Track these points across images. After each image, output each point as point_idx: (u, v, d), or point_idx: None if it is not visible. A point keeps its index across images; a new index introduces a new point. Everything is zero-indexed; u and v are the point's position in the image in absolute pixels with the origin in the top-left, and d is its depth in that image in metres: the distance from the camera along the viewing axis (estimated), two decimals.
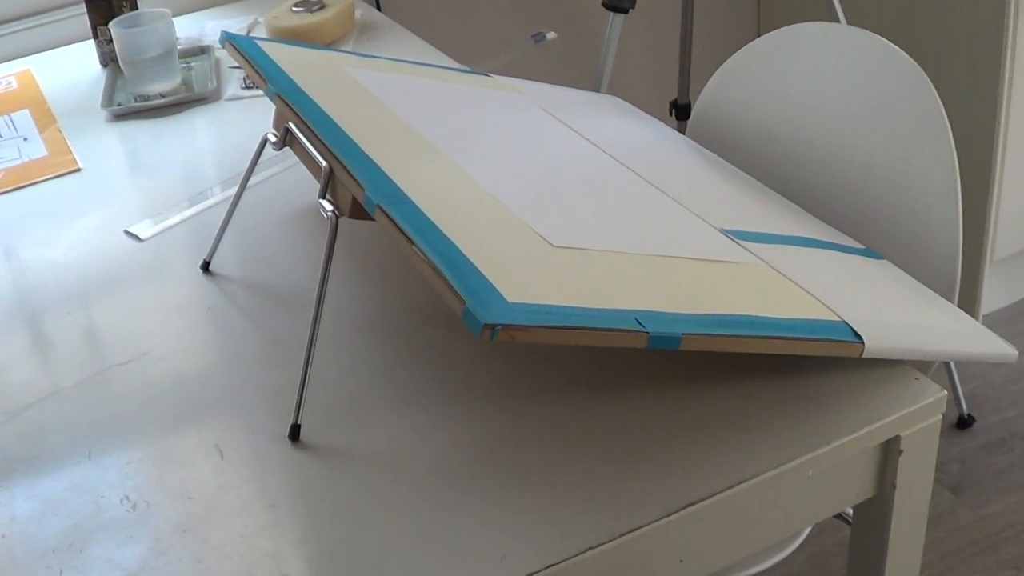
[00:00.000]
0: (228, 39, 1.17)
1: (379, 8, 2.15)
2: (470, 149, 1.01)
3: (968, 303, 2.20)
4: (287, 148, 1.10)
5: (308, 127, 0.96)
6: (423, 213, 0.82)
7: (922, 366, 1.05)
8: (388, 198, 0.84)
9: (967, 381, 2.13)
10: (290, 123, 1.00)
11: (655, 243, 0.91)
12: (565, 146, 1.11)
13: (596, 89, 1.86)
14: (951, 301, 1.10)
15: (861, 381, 0.90)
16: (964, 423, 2.03)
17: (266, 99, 1.52)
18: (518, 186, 0.95)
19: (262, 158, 1.34)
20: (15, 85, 1.64)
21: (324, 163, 0.92)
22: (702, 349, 0.78)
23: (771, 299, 0.87)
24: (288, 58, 1.15)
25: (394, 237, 0.80)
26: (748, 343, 0.79)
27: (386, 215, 0.81)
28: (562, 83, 2.36)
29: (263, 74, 1.07)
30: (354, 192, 0.87)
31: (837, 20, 1.80)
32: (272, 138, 1.02)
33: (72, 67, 1.70)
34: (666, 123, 1.43)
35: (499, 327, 0.69)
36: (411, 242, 0.78)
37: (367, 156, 0.91)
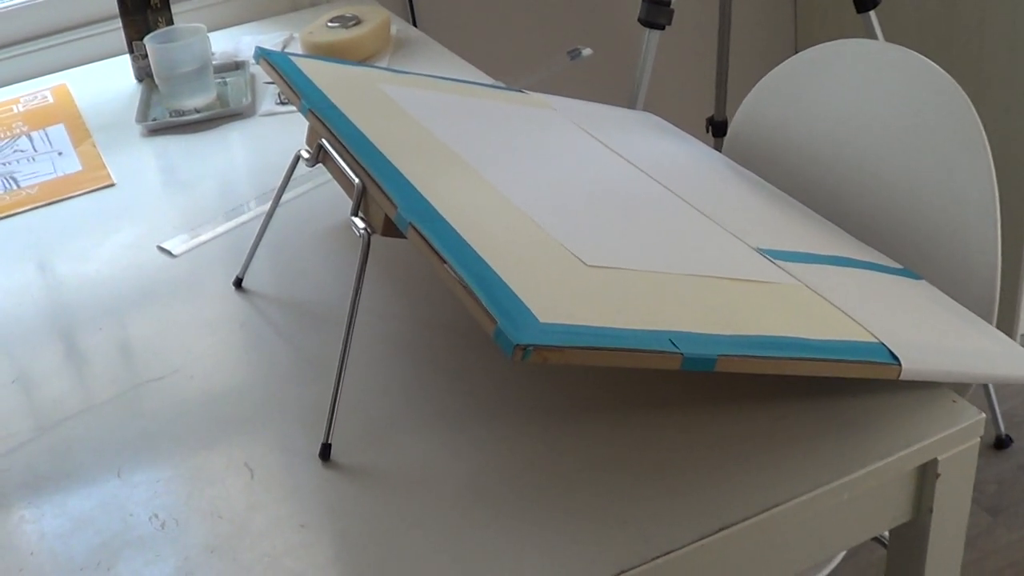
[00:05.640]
0: (262, 55, 1.17)
1: (415, 24, 2.15)
2: (503, 167, 1.01)
3: (1007, 324, 2.17)
4: (320, 164, 1.10)
5: (341, 144, 0.96)
6: (455, 231, 0.81)
7: (959, 388, 1.03)
8: (420, 216, 0.83)
9: (1005, 401, 2.10)
10: (323, 140, 0.99)
11: (690, 262, 0.90)
12: (600, 164, 1.11)
13: (632, 106, 1.85)
14: (990, 322, 1.08)
15: (898, 403, 0.88)
16: (1002, 443, 2.01)
17: (300, 115, 1.52)
18: (552, 204, 0.95)
19: (296, 174, 1.34)
20: (51, 99, 1.65)
21: (357, 180, 0.91)
22: (738, 371, 0.77)
23: (807, 320, 0.86)
24: (322, 74, 1.14)
25: (426, 255, 0.79)
26: (784, 365, 0.78)
27: (418, 233, 0.81)
28: (598, 100, 2.35)
29: (296, 90, 1.07)
30: (387, 210, 0.87)
31: (876, 37, 1.79)
32: (305, 155, 1.02)
33: (108, 82, 1.70)
34: (702, 140, 1.42)
35: (531, 348, 0.68)
36: (443, 260, 0.77)
37: (400, 173, 0.91)
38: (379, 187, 0.88)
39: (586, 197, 0.99)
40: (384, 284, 1.10)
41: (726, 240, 0.99)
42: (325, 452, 0.89)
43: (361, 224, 0.89)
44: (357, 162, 0.92)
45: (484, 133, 1.10)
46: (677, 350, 0.73)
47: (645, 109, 2.41)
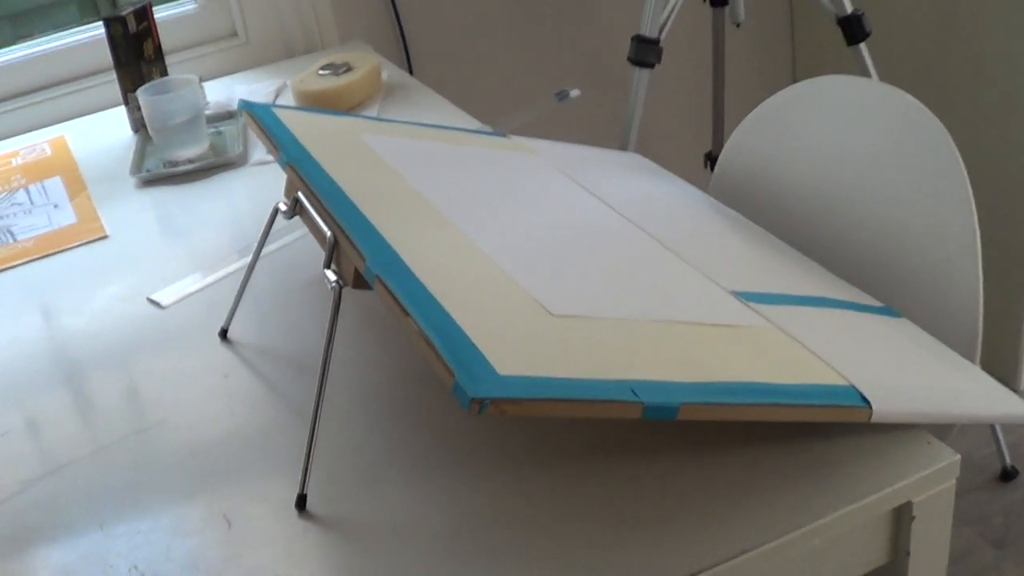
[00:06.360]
0: (245, 107, 1.19)
1: (410, 67, 2.17)
2: (477, 215, 1.02)
3: (1009, 369, 2.16)
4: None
5: (315, 196, 0.97)
6: (421, 284, 0.82)
7: (942, 429, 1.03)
8: (387, 268, 0.84)
9: (1010, 432, 2.09)
10: (299, 192, 1.01)
11: (660, 308, 0.91)
12: (577, 208, 1.11)
13: (624, 145, 1.86)
14: (972, 359, 1.09)
15: (871, 445, 0.88)
16: (1008, 475, 2.00)
17: None
18: (523, 252, 0.95)
19: (282, 225, 1.36)
20: (48, 152, 1.67)
21: (328, 232, 0.92)
22: (700, 419, 0.77)
23: (777, 363, 0.86)
24: (303, 126, 1.16)
25: (391, 307, 0.80)
26: (749, 411, 0.79)
27: (384, 285, 0.82)
28: (591, 141, 2.37)
29: (275, 142, 1.09)
30: (356, 262, 0.88)
31: (867, 69, 1.80)
32: (283, 207, 1.03)
33: (104, 133, 1.73)
34: (701, 176, 1.43)
35: (487, 401, 0.69)
36: (406, 313, 0.78)
37: (371, 225, 0.92)
38: (349, 240, 0.89)
39: (559, 243, 1.00)
40: (364, 333, 1.11)
41: (700, 283, 0.99)
42: (301, 502, 0.89)
43: (333, 277, 0.90)
44: (330, 215, 0.94)
45: (461, 181, 1.11)
46: (638, 399, 0.74)
47: (643, 146, 2.42)
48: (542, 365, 0.75)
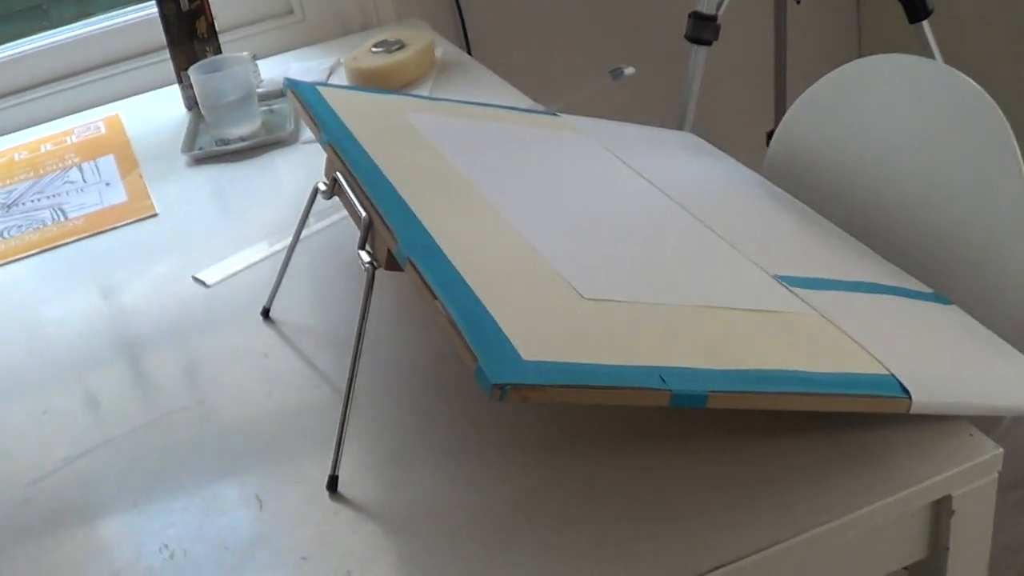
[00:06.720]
0: (289, 86, 1.19)
1: (467, 44, 2.16)
2: (518, 196, 1.01)
3: None
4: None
5: (353, 177, 0.97)
6: (452, 267, 0.81)
7: (988, 423, 1.00)
8: (419, 251, 0.83)
9: None
10: (337, 172, 1.00)
11: (697, 292, 0.89)
12: (622, 189, 1.10)
13: (681, 123, 1.84)
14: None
15: (911, 437, 0.86)
16: None
17: None
18: (561, 234, 0.94)
19: (328, 204, 1.36)
20: (103, 130, 1.69)
21: (364, 213, 0.92)
22: (731, 407, 0.76)
23: (815, 351, 0.85)
24: (347, 105, 1.15)
25: (421, 291, 0.79)
26: (781, 400, 0.77)
27: (414, 268, 0.81)
28: (649, 119, 2.34)
29: (318, 121, 1.08)
30: (389, 244, 0.87)
31: (929, 47, 1.76)
32: (322, 187, 1.03)
33: (158, 111, 1.74)
34: (763, 155, 1.40)
35: (509, 387, 0.68)
36: (435, 296, 0.77)
37: (407, 206, 0.91)
38: (383, 221, 0.88)
39: (599, 225, 0.99)
40: (401, 314, 1.11)
41: (743, 267, 0.98)
42: (332, 484, 0.89)
43: (367, 258, 0.90)
44: (366, 195, 0.93)
45: (504, 161, 1.10)
46: (666, 387, 0.73)
47: (704, 125, 2.39)
48: (569, 350, 0.74)
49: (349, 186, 0.97)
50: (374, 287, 1.16)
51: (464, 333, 0.73)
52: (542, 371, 0.70)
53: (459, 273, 0.81)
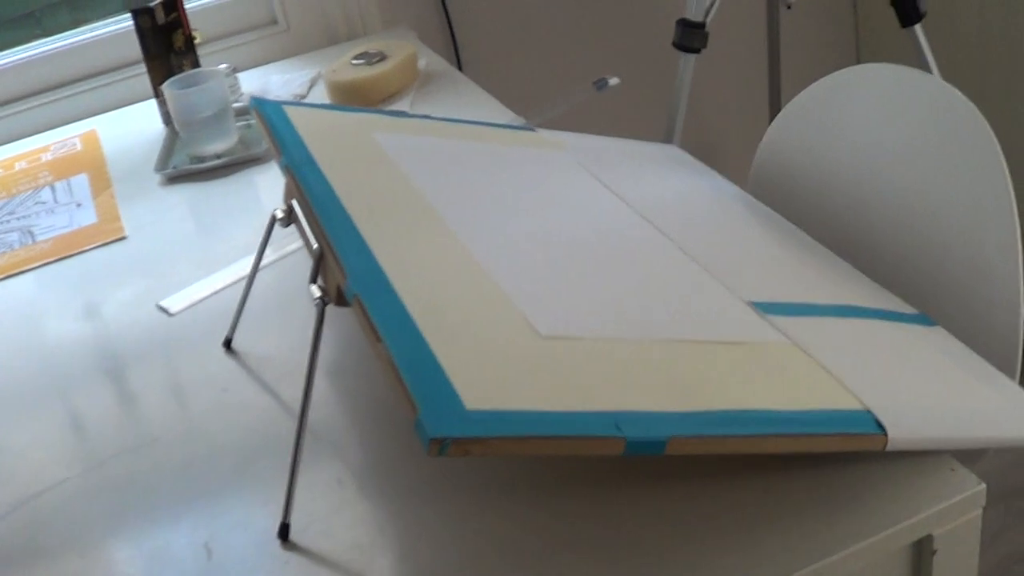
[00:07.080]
0: (255, 106, 1.15)
1: (457, 56, 2.12)
2: (482, 221, 0.97)
3: None
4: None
5: (308, 204, 0.93)
6: (402, 305, 0.77)
7: (971, 454, 0.96)
8: (367, 287, 0.79)
9: None
10: (294, 200, 0.96)
11: (666, 325, 0.85)
12: (594, 212, 1.06)
13: (669, 133, 1.79)
14: (1013, 367, 1.01)
15: (888, 473, 0.82)
16: None
17: None
18: (523, 263, 0.90)
19: (292, 229, 1.32)
20: (79, 147, 1.65)
21: (316, 244, 0.88)
22: (693, 452, 0.71)
23: (786, 386, 0.80)
24: (313, 125, 1.11)
25: (365, 330, 0.75)
26: (745, 443, 0.73)
27: (361, 306, 0.77)
28: (637, 130, 2.30)
29: (278, 144, 1.04)
30: (338, 279, 0.83)
31: (922, 52, 1.71)
32: (279, 214, 0.99)
33: (136, 126, 1.70)
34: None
35: (449, 440, 0.64)
36: (379, 338, 0.73)
37: (360, 238, 0.87)
38: (334, 254, 0.84)
39: (566, 253, 0.94)
40: (358, 347, 1.06)
41: (716, 294, 0.93)
42: (284, 531, 0.85)
43: (317, 293, 0.86)
44: (319, 225, 0.89)
45: (471, 183, 1.05)
46: (620, 434, 0.68)
47: (694, 135, 2.34)
48: (520, 397, 0.70)
49: (304, 215, 0.93)
50: (342, 314, 1.12)
51: (405, 380, 0.68)
52: (486, 422, 0.66)
53: (407, 312, 0.77)
